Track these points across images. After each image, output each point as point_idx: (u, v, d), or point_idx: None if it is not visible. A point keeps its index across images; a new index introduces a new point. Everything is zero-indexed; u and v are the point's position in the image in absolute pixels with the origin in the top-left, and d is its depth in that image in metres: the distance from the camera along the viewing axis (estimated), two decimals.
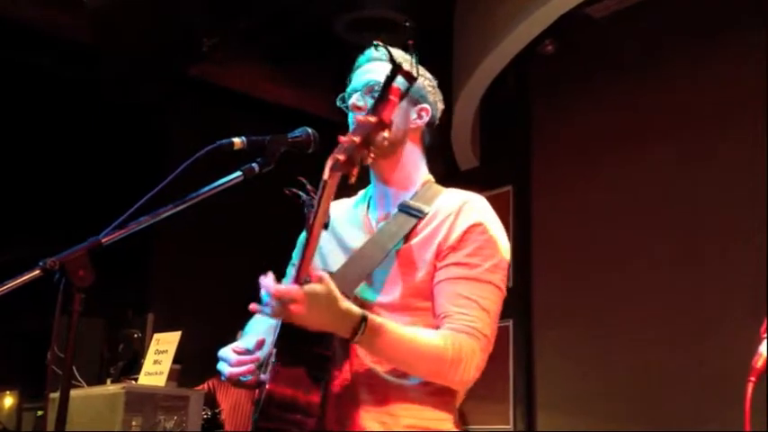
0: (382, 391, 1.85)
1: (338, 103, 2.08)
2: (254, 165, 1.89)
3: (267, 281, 1.65)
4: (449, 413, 1.90)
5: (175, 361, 4.09)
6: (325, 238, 2.04)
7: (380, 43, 1.91)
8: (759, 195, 4.25)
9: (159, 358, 4.12)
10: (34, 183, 6.05)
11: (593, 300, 5.10)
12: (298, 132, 1.99)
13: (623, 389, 4.80)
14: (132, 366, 4.45)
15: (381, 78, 1.84)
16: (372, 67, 2.02)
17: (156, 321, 4.59)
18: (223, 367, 1.94)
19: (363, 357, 1.86)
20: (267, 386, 1.77)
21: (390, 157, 1.98)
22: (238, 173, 1.87)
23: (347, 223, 2.07)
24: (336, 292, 1.66)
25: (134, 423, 3.78)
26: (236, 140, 1.86)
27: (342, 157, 1.50)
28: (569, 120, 5.51)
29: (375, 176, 2.04)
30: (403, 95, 1.52)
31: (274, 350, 1.84)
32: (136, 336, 4.58)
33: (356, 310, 1.69)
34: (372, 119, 1.47)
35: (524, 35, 4.94)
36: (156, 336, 4.28)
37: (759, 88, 4.38)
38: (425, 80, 2.06)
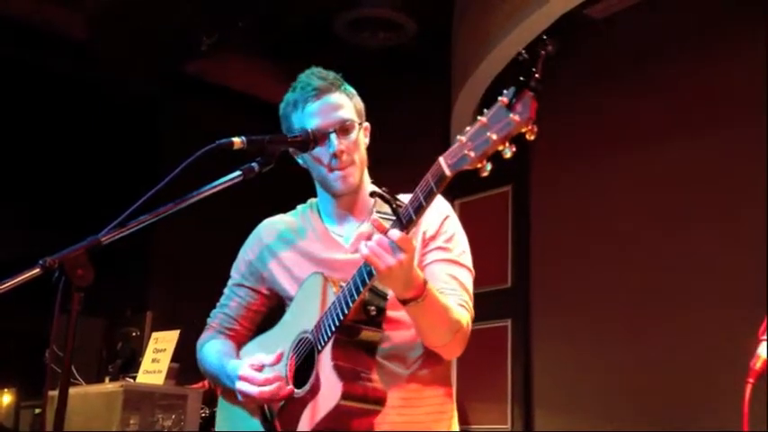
0: (395, 381, 1.98)
1: (298, 150, 2.06)
2: (253, 164, 1.89)
3: (394, 231, 1.73)
4: (450, 386, 2.10)
5: (174, 359, 4.09)
6: (284, 253, 2.15)
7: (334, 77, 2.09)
8: (759, 193, 4.24)
9: (158, 357, 4.12)
10: (32, 181, 6.04)
11: (592, 299, 5.10)
12: (297, 132, 1.99)
13: (621, 388, 4.80)
14: (130, 365, 4.44)
15: (351, 115, 2.06)
16: (333, 101, 2.06)
17: (154, 320, 4.58)
18: (248, 388, 1.95)
19: (378, 353, 1.97)
20: (341, 386, 1.82)
21: (361, 177, 2.10)
22: (238, 172, 1.87)
23: (305, 236, 2.15)
24: None
25: (132, 421, 3.78)
26: (236, 140, 1.86)
27: (473, 154, 1.56)
28: (568, 119, 5.51)
29: (337, 192, 2.09)
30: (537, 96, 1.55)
31: (329, 349, 1.89)
32: (134, 334, 4.57)
33: (421, 273, 1.82)
34: (517, 117, 1.51)
35: (524, 35, 4.94)
36: (154, 334, 4.27)
37: (759, 86, 4.38)
38: (359, 99, 2.16)
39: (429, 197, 1.67)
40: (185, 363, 4.39)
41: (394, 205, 1.75)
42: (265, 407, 2.04)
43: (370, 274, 1.77)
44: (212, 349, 2.21)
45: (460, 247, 2.07)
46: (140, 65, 6.05)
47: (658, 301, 4.72)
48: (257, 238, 2.25)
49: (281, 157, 1.94)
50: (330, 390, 1.84)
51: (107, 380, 4.42)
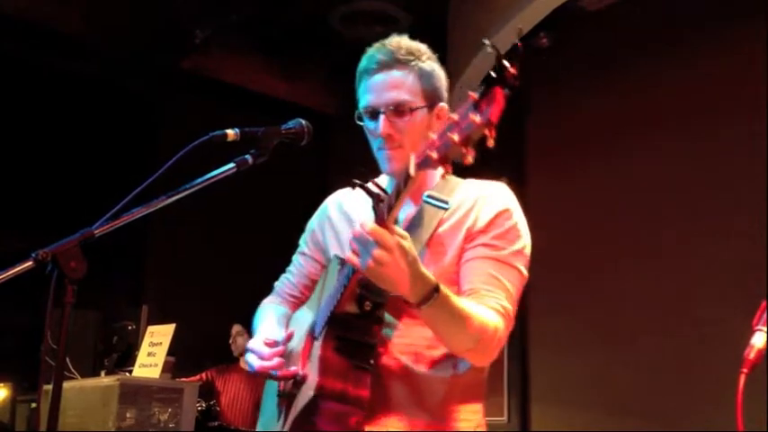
0: (415, 385, 1.86)
1: (357, 120, 1.98)
2: (247, 156, 1.88)
3: (366, 220, 1.64)
4: (480, 401, 1.95)
5: (169, 353, 4.09)
6: (341, 223, 2.08)
7: (398, 41, 1.96)
8: (759, 189, 4.24)
9: (154, 351, 4.12)
10: (26, 175, 6.03)
11: (588, 292, 5.11)
12: (291, 124, 1.98)
13: (617, 381, 4.81)
14: (126, 359, 4.44)
15: (408, 96, 1.91)
16: (391, 78, 1.93)
17: (150, 313, 4.59)
18: (253, 360, 1.93)
19: (394, 350, 1.87)
20: (317, 380, 1.76)
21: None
22: (232, 164, 1.86)
23: (362, 209, 2.03)
24: (416, 253, 1.66)
25: (128, 415, 3.78)
26: (230, 132, 1.85)
27: (435, 155, 1.45)
28: (564, 112, 5.51)
29: (395, 174, 1.99)
30: (507, 95, 1.40)
31: (320, 339, 1.83)
32: (130, 328, 4.58)
33: (431, 276, 1.68)
34: (477, 118, 1.37)
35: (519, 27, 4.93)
36: (150, 328, 4.27)
37: (759, 80, 4.36)
38: (441, 71, 2.04)
39: (399, 196, 1.60)
40: (181, 356, 4.40)
41: (375, 200, 1.66)
42: (282, 382, 2.01)
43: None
44: (262, 314, 2.17)
45: (515, 245, 1.88)
46: (135, 60, 6.04)
47: (656, 295, 4.73)
48: (323, 207, 2.19)
49: (275, 150, 1.93)
50: (311, 381, 1.80)
51: (103, 374, 4.42)
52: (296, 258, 2.23)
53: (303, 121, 1.99)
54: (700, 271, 4.56)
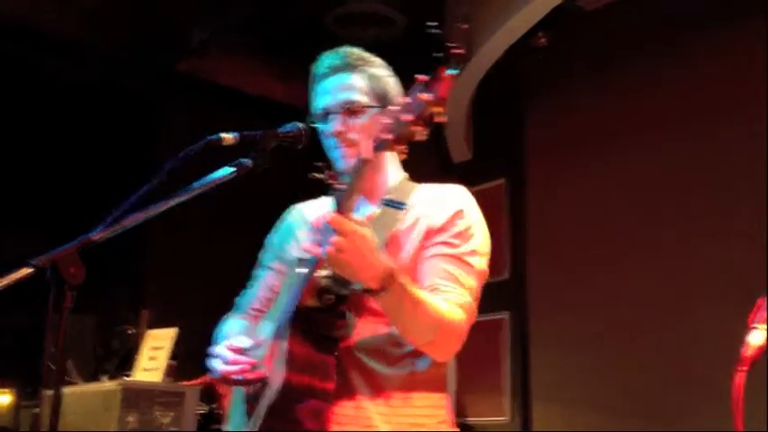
0: (375, 381, 1.88)
1: (309, 121, 2.04)
2: (246, 160, 1.88)
3: (328, 212, 1.69)
4: (442, 393, 1.96)
5: (171, 357, 4.09)
6: (301, 232, 2.11)
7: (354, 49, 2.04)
8: (759, 189, 4.24)
9: (155, 354, 4.12)
10: (25, 176, 6.03)
11: (588, 292, 5.11)
12: (288, 127, 1.98)
13: (619, 380, 4.81)
14: (126, 363, 4.44)
15: (360, 97, 1.98)
16: (343, 81, 2.01)
17: (150, 317, 4.58)
18: (217, 364, 1.95)
19: (353, 348, 1.88)
20: (283, 375, 1.77)
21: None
22: (231, 168, 1.86)
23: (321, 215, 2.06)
24: (376, 240, 1.70)
25: (130, 419, 3.78)
26: (226, 136, 1.85)
27: (389, 137, 1.55)
28: (562, 112, 5.51)
29: (340, 171, 2.01)
30: (453, 75, 1.52)
31: (285, 336, 1.84)
32: (130, 332, 4.58)
33: (391, 263, 1.73)
34: (427, 96, 1.49)
35: (517, 28, 4.94)
36: (150, 332, 4.27)
37: (759, 80, 4.36)
38: (392, 79, 2.09)
39: (354, 180, 1.67)
40: (180, 360, 4.40)
41: (333, 189, 1.73)
42: (249, 388, 2.00)
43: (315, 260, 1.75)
44: (225, 329, 2.19)
45: (471, 244, 1.92)
46: (132, 63, 6.05)
47: (656, 293, 4.73)
48: (284, 220, 2.24)
49: (273, 152, 1.93)
50: (277, 378, 1.80)
51: (104, 378, 4.42)
52: (258, 272, 2.25)
53: (300, 124, 1.98)
54: (699, 271, 4.56)
